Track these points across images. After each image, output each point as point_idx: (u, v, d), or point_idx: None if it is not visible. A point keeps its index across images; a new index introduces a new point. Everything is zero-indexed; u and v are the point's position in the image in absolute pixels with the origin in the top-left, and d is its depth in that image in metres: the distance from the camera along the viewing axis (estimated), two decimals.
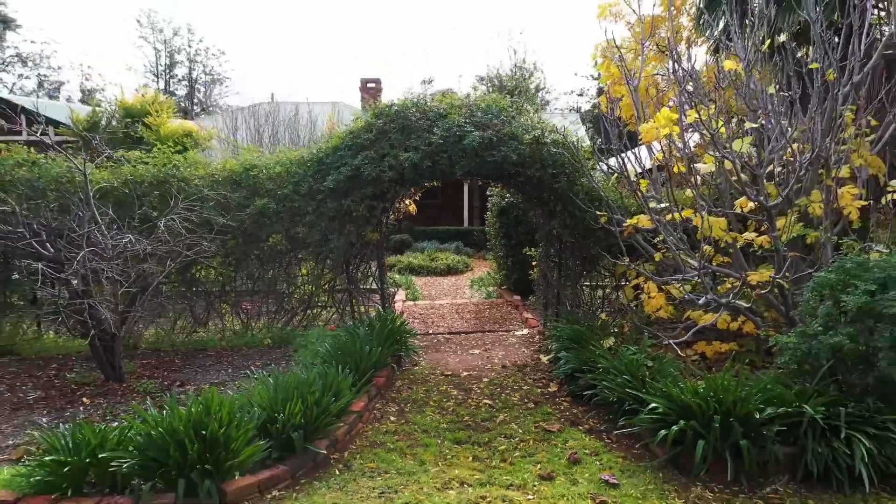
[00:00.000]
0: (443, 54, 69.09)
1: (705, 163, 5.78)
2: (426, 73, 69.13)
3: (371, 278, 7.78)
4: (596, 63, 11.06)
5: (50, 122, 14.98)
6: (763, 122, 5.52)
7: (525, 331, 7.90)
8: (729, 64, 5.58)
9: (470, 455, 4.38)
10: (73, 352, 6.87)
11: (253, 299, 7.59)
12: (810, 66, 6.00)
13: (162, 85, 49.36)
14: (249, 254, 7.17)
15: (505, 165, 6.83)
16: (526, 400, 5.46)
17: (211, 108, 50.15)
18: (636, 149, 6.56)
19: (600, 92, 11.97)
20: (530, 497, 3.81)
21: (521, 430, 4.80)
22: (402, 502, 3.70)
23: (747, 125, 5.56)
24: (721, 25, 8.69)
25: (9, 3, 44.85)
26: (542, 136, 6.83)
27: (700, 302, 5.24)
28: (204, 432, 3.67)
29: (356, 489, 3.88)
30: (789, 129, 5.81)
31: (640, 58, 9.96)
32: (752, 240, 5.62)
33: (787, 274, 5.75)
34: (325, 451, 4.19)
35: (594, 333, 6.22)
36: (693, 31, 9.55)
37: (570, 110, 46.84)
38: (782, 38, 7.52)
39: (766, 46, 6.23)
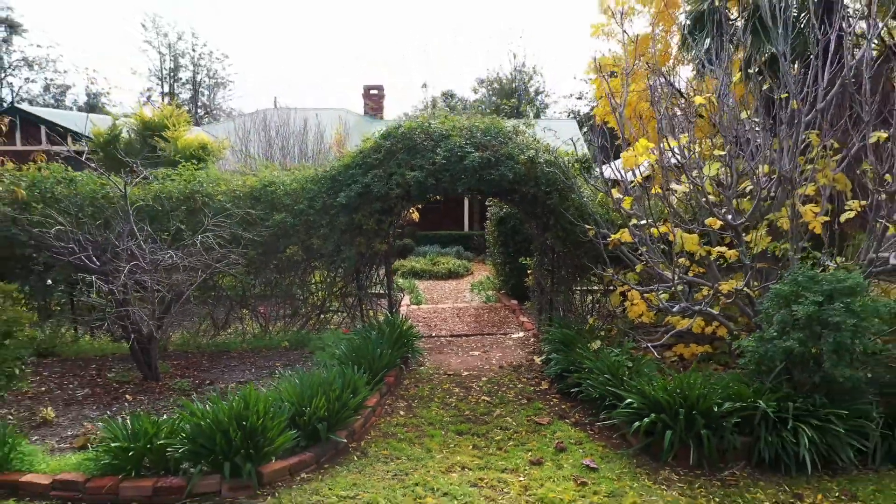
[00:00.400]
0: (443, 54, 69.64)
1: (682, 183, 6.43)
2: (426, 72, 69.75)
3: (379, 284, 8.43)
4: (590, 79, 11.75)
5: (69, 132, 15.64)
6: (733, 149, 6.16)
7: (521, 334, 8.56)
8: (699, 99, 6.22)
9: (470, 444, 5.04)
10: (108, 353, 7.53)
11: (270, 304, 8.24)
12: (778, 97, 6.69)
13: (166, 88, 50.05)
14: (268, 263, 7.82)
15: (502, 183, 7.49)
16: (520, 396, 6.12)
17: (215, 112, 50.85)
18: (617, 162, 7.21)
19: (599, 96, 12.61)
20: (521, 479, 4.47)
21: (514, 423, 5.46)
22: (412, 482, 4.36)
23: (716, 152, 6.21)
24: (705, 46, 9.32)
25: (15, 7, 45.46)
26: (536, 156, 7.49)
27: (674, 309, 5.90)
28: (245, 423, 4.33)
29: (372, 472, 4.54)
30: (761, 151, 6.47)
31: (631, 77, 10.64)
32: (724, 253, 6.29)
33: (753, 283, 6.42)
34: (345, 440, 4.85)
35: (582, 337, 6.88)
36: (679, 51, 10.22)
37: (569, 115, 47.53)
38: (758, 65, 8.17)
39: (736, 78, 6.90)
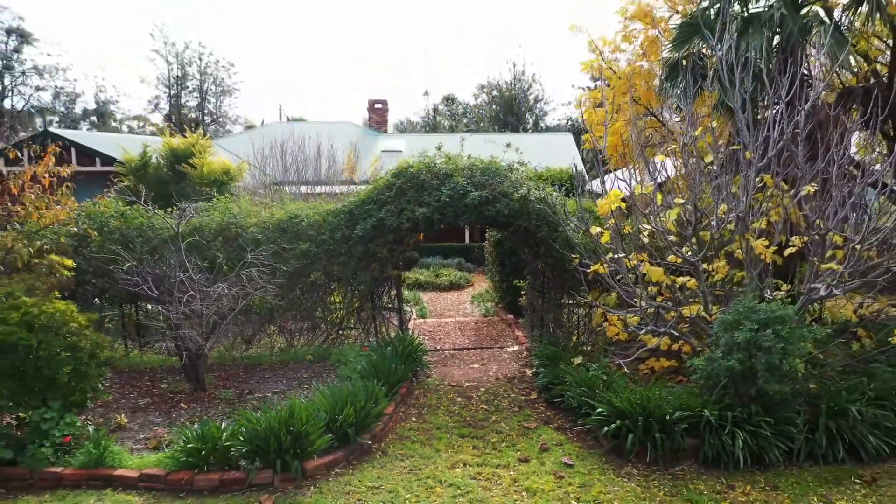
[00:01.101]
0: (444, 55, 70.71)
1: (648, 225, 7.55)
2: (427, 74, 70.79)
3: (391, 304, 9.55)
4: (582, 107, 12.90)
5: (97, 154, 16.79)
6: (691, 196, 7.28)
7: (515, 347, 9.69)
8: (640, 189, 7.37)
9: (470, 445, 6.17)
10: (156, 366, 8.66)
11: (294, 321, 9.36)
12: (734, 146, 7.84)
13: (174, 95, 51.15)
14: (294, 287, 8.93)
15: (499, 218, 8.62)
16: (513, 405, 7.25)
17: (221, 119, 52.00)
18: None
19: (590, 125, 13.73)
20: (511, 473, 5.60)
21: (507, 428, 6.59)
22: (424, 476, 5.49)
23: (676, 200, 7.34)
24: (680, 89, 10.41)
25: (25, 15, 46.65)
26: (528, 194, 8.61)
27: (641, 332, 7.03)
28: (292, 429, 5.46)
29: (392, 468, 5.67)
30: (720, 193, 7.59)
31: (619, 108, 11.82)
32: (685, 283, 7.41)
33: (712, 307, 7.54)
34: (369, 442, 5.98)
35: (567, 352, 8.00)
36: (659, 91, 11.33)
37: (567, 122, 48.65)
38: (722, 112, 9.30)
39: (698, 132, 8.02)
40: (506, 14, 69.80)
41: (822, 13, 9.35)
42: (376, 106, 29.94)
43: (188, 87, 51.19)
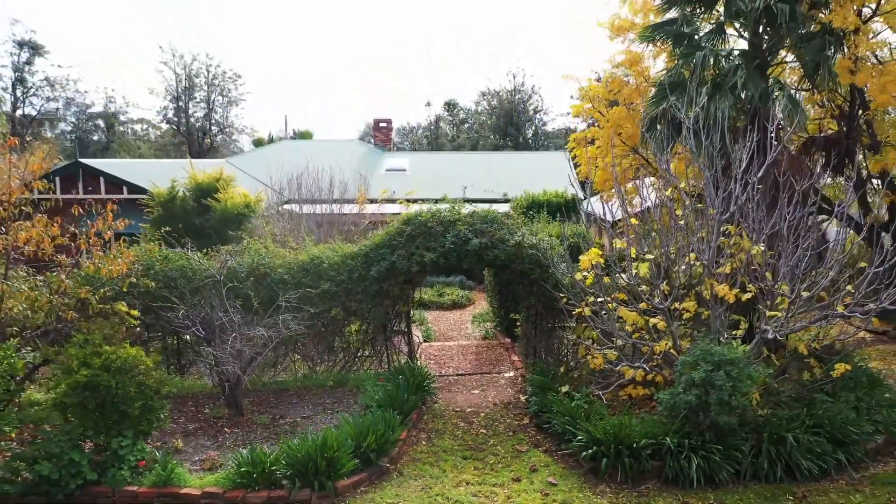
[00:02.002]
0: (445, 57, 71.86)
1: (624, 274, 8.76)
2: (429, 75, 71.92)
3: (401, 334, 10.77)
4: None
5: (124, 182, 18.02)
6: (661, 251, 8.49)
7: (511, 373, 10.90)
8: (620, 243, 8.59)
9: (472, 466, 7.38)
10: (196, 391, 9.87)
11: (316, 351, 10.57)
12: (702, 204, 9.06)
13: (181, 105, 52.44)
14: (317, 321, 10.13)
15: (496, 261, 9.84)
16: (508, 429, 8.47)
17: (228, 129, 53.28)
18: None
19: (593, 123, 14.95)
20: (505, 491, 6.81)
21: (503, 451, 7.81)
22: (434, 493, 6.71)
23: (647, 256, 8.55)
24: (657, 141, 11.60)
25: (25, 18, 47.91)
26: (522, 240, 9.82)
27: (617, 368, 8.25)
28: (326, 454, 6.67)
29: (407, 486, 6.89)
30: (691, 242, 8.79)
31: (607, 150, 13.01)
32: (657, 324, 8.62)
33: (683, 342, 8.75)
34: (388, 465, 7.20)
35: (555, 381, 9.21)
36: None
37: (565, 131, 49.87)
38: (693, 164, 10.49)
39: (669, 192, 9.24)
40: (506, 15, 70.99)
41: (781, 79, 10.58)
42: (381, 125, 31.21)
43: (196, 97, 52.43)
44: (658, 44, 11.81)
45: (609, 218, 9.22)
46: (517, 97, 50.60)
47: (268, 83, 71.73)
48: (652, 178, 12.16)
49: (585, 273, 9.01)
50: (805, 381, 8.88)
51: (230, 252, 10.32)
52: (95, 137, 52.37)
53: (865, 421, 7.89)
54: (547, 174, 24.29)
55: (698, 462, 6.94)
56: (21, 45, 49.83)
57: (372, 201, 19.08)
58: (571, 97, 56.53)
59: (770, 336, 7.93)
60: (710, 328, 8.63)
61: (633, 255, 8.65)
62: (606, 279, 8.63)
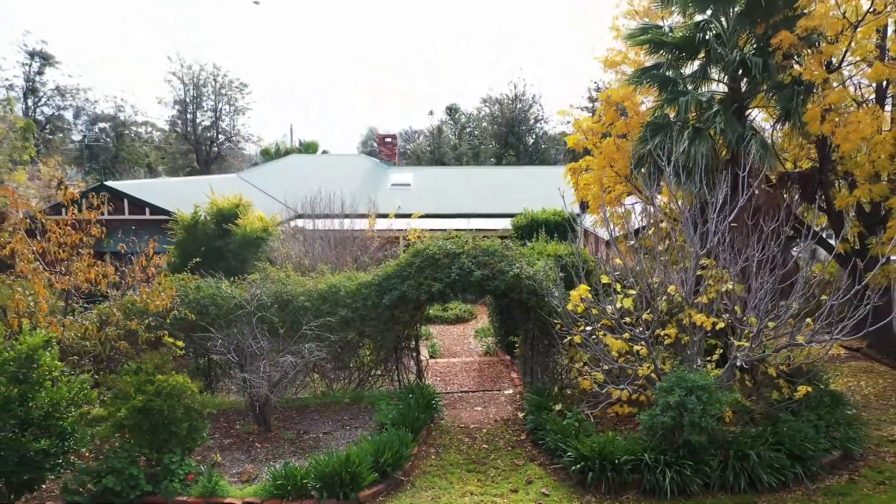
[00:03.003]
0: (445, 57, 72.85)
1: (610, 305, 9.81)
2: (430, 76, 72.94)
3: (410, 354, 11.83)
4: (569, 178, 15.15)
5: (146, 204, 19.10)
6: (643, 287, 9.55)
7: (511, 391, 11.96)
8: (605, 278, 9.64)
9: (475, 478, 8.44)
10: (226, 408, 10.92)
11: (333, 370, 11.63)
12: (681, 244, 10.12)
13: (190, 113, 53.53)
14: (335, 345, 11.19)
15: (497, 291, 10.90)
16: (507, 445, 9.53)
17: (235, 138, 54.34)
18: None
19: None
20: (505, 500, 7.87)
21: (503, 464, 8.87)
22: (443, 502, 7.77)
23: (629, 291, 9.61)
24: (644, 176, 12.64)
25: (38, 29, 49.03)
26: (520, 272, 10.87)
27: (604, 390, 9.32)
28: (349, 469, 7.73)
29: (419, 497, 7.95)
30: (671, 276, 9.84)
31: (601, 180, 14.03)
32: (639, 350, 9.68)
33: (662, 367, 9.81)
34: (402, 478, 8.27)
35: (550, 400, 10.26)
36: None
37: (563, 135, 50.98)
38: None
39: (651, 231, 10.30)
40: (506, 15, 71.98)
41: (761, 117, 11.65)
42: (386, 140, 32.34)
43: (203, 106, 53.51)
44: (646, 87, 12.84)
45: (605, 236, 10.29)
46: (518, 107, 51.62)
47: (269, 84, 72.91)
48: (640, 205, 13.30)
49: (577, 303, 10.06)
50: (774, 401, 9.93)
51: (254, 281, 11.37)
52: (103, 142, 53.38)
53: (823, 438, 8.95)
54: (547, 186, 25.24)
55: (672, 475, 7.99)
56: (32, 55, 50.99)
57: (380, 216, 20.19)
58: (571, 106, 57.60)
59: (738, 364, 9.00)
60: (688, 354, 9.69)
61: (619, 289, 9.71)
62: (595, 310, 9.68)
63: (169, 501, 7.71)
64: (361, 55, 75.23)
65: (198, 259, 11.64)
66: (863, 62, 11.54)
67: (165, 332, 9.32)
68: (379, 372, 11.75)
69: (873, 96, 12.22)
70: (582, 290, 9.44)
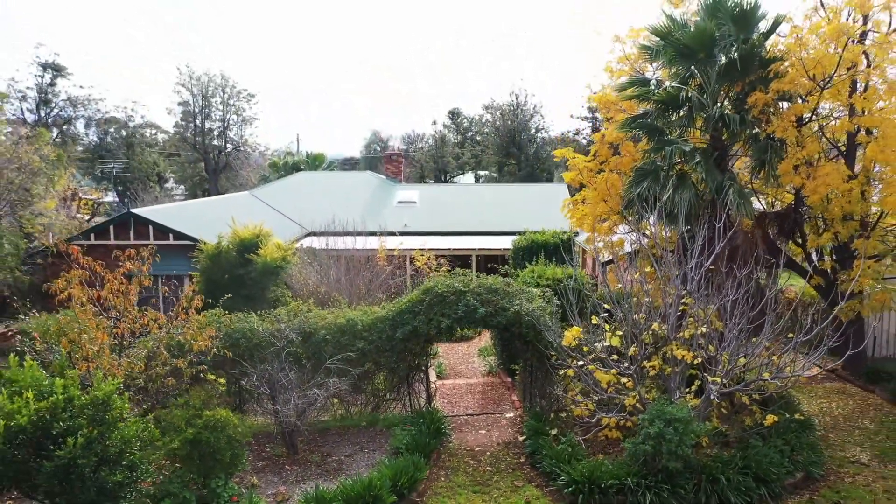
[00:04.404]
0: (446, 58, 73.85)
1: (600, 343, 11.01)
2: (431, 77, 73.98)
3: (421, 381, 13.06)
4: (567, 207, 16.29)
5: (170, 230, 20.33)
6: (629, 327, 10.76)
7: (511, 413, 13.18)
8: (595, 319, 10.85)
9: (480, 499, 9.66)
10: (256, 431, 12.12)
11: (351, 395, 12.84)
12: (664, 285, 11.32)
13: (199, 123, 54.74)
14: (353, 373, 12.41)
15: (499, 325, 12.13)
16: (508, 467, 10.74)
17: (243, 147, 55.54)
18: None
19: (594, 130, 17.12)
20: None
21: (504, 486, 10.09)
22: None
23: (617, 333, 10.81)
24: (634, 218, 13.84)
25: (37, 28, 50.13)
26: (520, 309, 12.08)
27: (594, 419, 10.53)
28: (372, 492, 8.96)
29: None
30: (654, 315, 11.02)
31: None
32: (626, 383, 10.87)
33: (647, 397, 11.01)
34: (417, 498, 9.49)
35: (546, 424, 11.48)
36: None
37: (564, 135, 52.19)
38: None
39: (636, 274, 11.49)
40: (506, 15, 73.02)
41: (734, 172, 12.84)
42: (392, 156, 33.59)
43: (212, 116, 54.74)
44: (634, 133, 14.03)
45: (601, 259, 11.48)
46: (519, 117, 52.81)
47: (270, 86, 73.96)
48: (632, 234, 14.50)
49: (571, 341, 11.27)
50: (746, 426, 11.13)
51: (279, 316, 12.57)
52: (114, 152, 54.53)
53: (787, 461, 10.17)
54: (547, 204, 26.51)
55: (651, 497, 9.21)
56: (44, 66, 52.25)
57: (388, 234, 21.47)
58: (571, 116, 58.78)
59: (712, 397, 10.20)
60: (670, 385, 10.90)
61: (608, 329, 10.92)
62: (586, 349, 10.90)
63: None
64: (362, 56, 76.61)
65: (223, 287, 12.84)
66: (831, 118, 12.72)
67: (206, 368, 10.52)
68: (392, 397, 12.97)
69: (843, 146, 13.40)
70: (575, 332, 10.66)
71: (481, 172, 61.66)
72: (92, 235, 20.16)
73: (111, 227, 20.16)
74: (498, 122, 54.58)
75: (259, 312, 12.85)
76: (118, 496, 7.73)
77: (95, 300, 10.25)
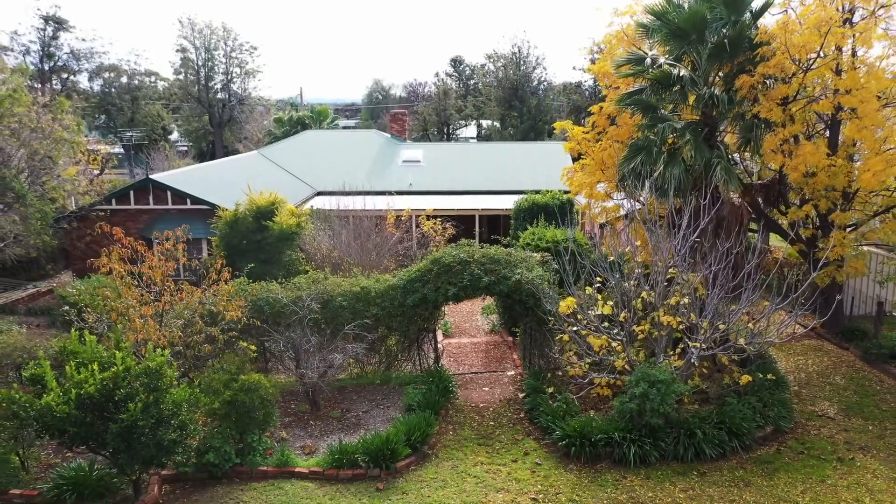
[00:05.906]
0: (448, 3, 72.40)
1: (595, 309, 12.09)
2: (433, 24, 73.35)
3: (430, 344, 14.23)
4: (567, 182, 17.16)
5: (187, 195, 21.25)
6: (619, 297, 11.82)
7: (512, 371, 14.39)
8: (589, 289, 11.87)
9: (484, 450, 10.92)
10: (281, 388, 13.36)
11: (366, 356, 14.03)
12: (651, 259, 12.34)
13: (202, 76, 54.84)
14: (368, 336, 13.55)
15: (501, 293, 13.21)
16: (509, 422, 11.99)
17: (246, 101, 55.73)
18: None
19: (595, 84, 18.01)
20: (507, 468, 10.35)
21: (505, 439, 11.34)
22: (460, 470, 10.27)
23: (608, 303, 11.88)
24: (628, 189, 14.72)
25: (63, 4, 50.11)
26: (521, 278, 13.13)
27: (586, 380, 11.72)
28: (389, 446, 10.20)
29: (441, 466, 10.44)
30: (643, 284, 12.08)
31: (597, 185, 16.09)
32: (616, 346, 12.01)
33: (636, 359, 12.16)
34: (428, 451, 10.75)
35: (544, 383, 12.69)
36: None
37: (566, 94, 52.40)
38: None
39: (627, 249, 12.48)
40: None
41: (722, 149, 13.68)
42: (397, 115, 34.11)
43: (215, 69, 54.81)
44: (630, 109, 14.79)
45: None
46: (521, 69, 52.83)
47: (271, 34, 73.70)
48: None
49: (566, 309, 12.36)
50: (724, 384, 12.31)
51: (298, 284, 13.63)
52: (118, 104, 54.82)
53: (759, 416, 11.37)
54: (548, 163, 27.30)
55: (635, 450, 10.45)
56: (46, 19, 52.12)
57: (394, 193, 22.33)
58: (573, 69, 58.60)
59: (693, 360, 11.35)
60: (657, 348, 12.04)
61: (600, 298, 12.00)
62: (580, 316, 12.00)
63: (253, 471, 10.20)
64: (364, 3, 75.70)
65: (241, 252, 13.94)
66: (815, 95, 13.49)
67: (237, 335, 11.66)
68: (403, 357, 14.16)
69: (825, 127, 14.18)
70: (569, 301, 11.74)
71: (484, 123, 61.95)
72: (113, 200, 21.12)
73: (131, 193, 21.10)
74: (500, 74, 54.62)
75: (280, 280, 13.92)
76: (172, 451, 8.96)
77: (137, 275, 11.31)
